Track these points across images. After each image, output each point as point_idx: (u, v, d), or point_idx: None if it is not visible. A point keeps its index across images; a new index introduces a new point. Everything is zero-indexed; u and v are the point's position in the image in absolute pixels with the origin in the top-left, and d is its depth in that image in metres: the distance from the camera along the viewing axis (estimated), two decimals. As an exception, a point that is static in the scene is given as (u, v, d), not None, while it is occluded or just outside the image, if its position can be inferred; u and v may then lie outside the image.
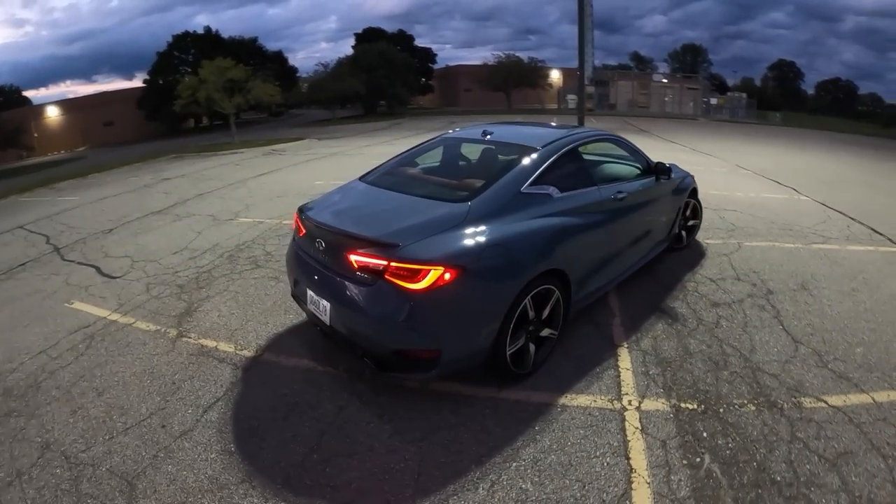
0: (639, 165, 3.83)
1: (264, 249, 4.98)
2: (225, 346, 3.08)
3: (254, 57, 22.17)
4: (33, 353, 3.16)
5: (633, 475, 2.01)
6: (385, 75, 35.15)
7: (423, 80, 46.27)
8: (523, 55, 41.34)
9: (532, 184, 2.69)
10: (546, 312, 2.65)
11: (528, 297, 2.45)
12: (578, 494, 1.91)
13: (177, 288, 4.08)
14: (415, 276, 2.13)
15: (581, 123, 11.36)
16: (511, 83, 38.59)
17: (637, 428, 2.29)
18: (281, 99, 23.27)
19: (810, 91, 58.82)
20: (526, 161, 2.79)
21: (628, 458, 2.10)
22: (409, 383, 2.61)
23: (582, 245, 2.84)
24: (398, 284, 2.15)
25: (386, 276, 2.19)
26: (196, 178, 10.06)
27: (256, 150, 15.25)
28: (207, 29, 39.68)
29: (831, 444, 2.16)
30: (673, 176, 3.99)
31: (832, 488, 1.92)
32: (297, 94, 35.35)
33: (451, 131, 3.86)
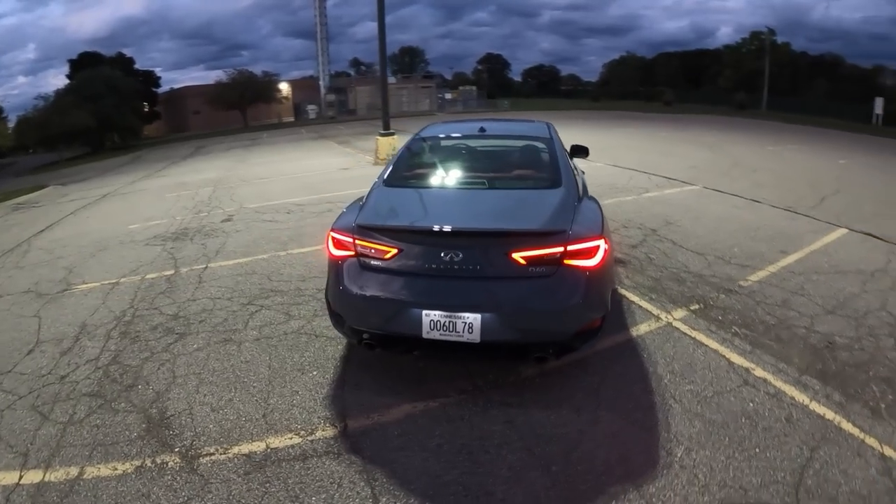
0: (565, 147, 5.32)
1: (163, 313, 4.25)
2: (280, 441, 2.68)
3: (-51, 97, 17.96)
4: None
5: (720, 352, 3.30)
6: (113, 104, 35.31)
7: (148, 106, 47.03)
8: (256, 70, 46.97)
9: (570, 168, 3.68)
10: None
11: None
12: (715, 375, 3.05)
13: (93, 399, 3.10)
14: (591, 253, 2.66)
15: (387, 127, 12.85)
16: (246, 100, 42.82)
17: (689, 328, 3.63)
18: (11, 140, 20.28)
19: (517, 78, 79.49)
20: (553, 150, 3.74)
21: (706, 346, 3.39)
22: (524, 372, 3.16)
23: None
24: (578, 266, 2.63)
25: (564, 262, 2.61)
26: (-54, 250, 7.61)
27: (-6, 207, 12.53)
28: None
29: (775, 297, 4.06)
30: None
31: (799, 315, 3.74)
32: (4, 137, 34.10)
33: (428, 131, 4.38)
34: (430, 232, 2.70)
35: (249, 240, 6.30)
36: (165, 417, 2.94)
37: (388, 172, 3.63)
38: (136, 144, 36.53)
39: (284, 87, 48.93)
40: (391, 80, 52.59)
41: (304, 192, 9.28)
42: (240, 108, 43.12)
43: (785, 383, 2.93)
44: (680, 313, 3.87)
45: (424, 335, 2.63)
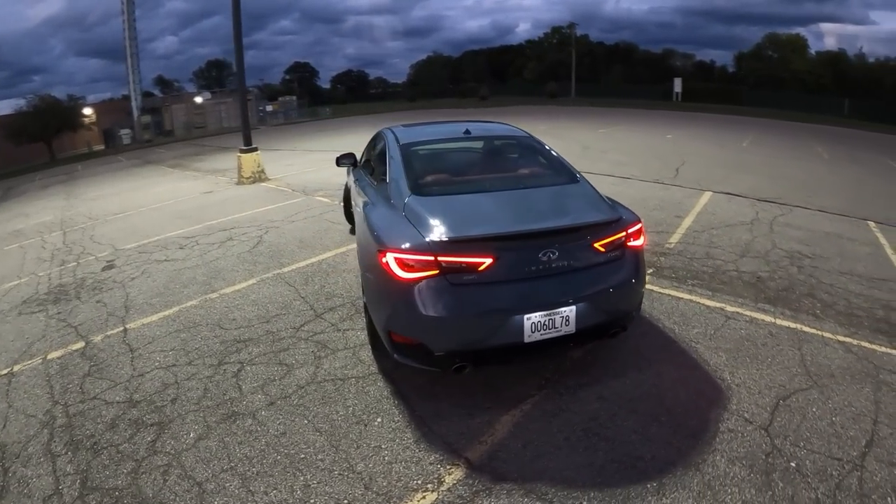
0: None
1: (109, 402, 3.43)
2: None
3: None
4: None
5: (694, 300, 4.43)
6: None
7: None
8: (60, 95, 42.93)
9: None
10: None
11: None
12: (704, 317, 4.14)
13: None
14: (640, 234, 3.26)
15: (248, 142, 12.19)
16: (51, 129, 39.82)
17: (660, 288, 4.72)
18: None
19: (326, 85, 79.66)
20: (543, 146, 4.25)
21: (682, 298, 4.50)
22: (574, 356, 3.80)
23: None
24: (634, 246, 3.22)
25: (628, 245, 3.16)
26: None
27: None
28: None
29: (699, 252, 5.47)
30: None
31: (724, 262, 5.11)
32: None
33: (409, 136, 4.33)
34: (527, 235, 2.91)
35: (157, 286, 5.47)
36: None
37: (402, 183, 3.52)
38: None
39: (90, 112, 45.03)
40: (207, 95, 49.41)
41: (181, 222, 8.40)
42: (44, 139, 39.39)
43: (752, 311, 4.16)
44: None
45: (526, 340, 2.83)
